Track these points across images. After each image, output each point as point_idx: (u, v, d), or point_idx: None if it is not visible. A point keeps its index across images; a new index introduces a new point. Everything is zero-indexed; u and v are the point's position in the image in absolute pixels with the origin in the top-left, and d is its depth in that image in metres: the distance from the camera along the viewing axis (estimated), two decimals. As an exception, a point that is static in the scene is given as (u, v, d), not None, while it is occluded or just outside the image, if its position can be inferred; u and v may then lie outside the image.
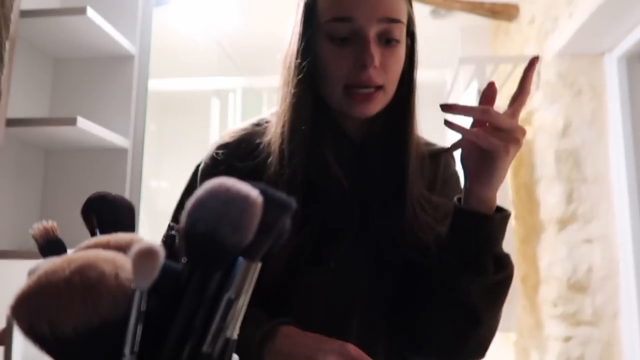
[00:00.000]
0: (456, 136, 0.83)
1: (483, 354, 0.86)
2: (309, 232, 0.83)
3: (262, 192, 0.39)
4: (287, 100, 0.85)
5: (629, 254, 2.02)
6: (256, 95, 4.10)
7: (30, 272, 0.36)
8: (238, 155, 0.88)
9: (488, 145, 0.73)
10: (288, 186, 0.82)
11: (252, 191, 0.37)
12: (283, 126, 0.85)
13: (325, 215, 0.85)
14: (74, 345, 0.35)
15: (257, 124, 0.95)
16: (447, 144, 0.97)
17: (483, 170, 0.77)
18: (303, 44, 0.82)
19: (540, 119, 2.38)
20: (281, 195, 0.41)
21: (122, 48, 1.97)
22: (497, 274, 0.80)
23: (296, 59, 0.83)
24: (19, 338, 1.60)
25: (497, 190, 0.79)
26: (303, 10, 0.83)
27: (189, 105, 4.15)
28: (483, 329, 0.83)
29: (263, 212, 0.38)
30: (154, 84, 2.14)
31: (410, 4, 0.85)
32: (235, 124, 3.77)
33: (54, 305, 0.34)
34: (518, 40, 2.85)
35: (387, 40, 0.80)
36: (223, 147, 0.91)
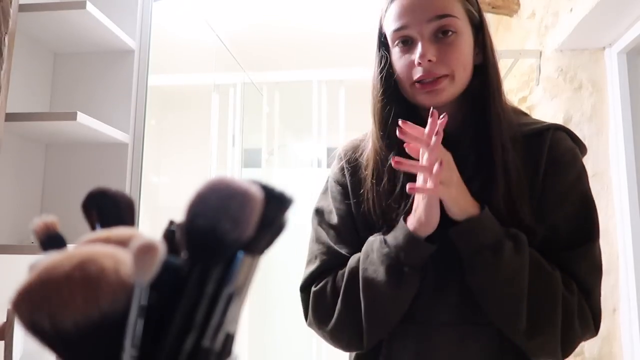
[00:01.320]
0: None
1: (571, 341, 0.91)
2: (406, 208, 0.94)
3: (262, 187, 0.39)
4: (375, 110, 1.00)
5: (629, 249, 2.02)
6: (256, 90, 4.10)
7: (31, 267, 0.36)
8: (349, 160, 1.08)
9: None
10: (388, 176, 0.98)
11: (252, 186, 0.38)
12: (374, 139, 1.01)
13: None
14: (74, 339, 0.35)
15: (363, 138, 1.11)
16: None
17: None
18: (380, 63, 0.99)
19: (541, 114, 2.37)
20: (281, 190, 0.41)
21: (122, 43, 1.97)
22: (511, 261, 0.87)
23: (378, 74, 0.99)
24: (19, 333, 1.61)
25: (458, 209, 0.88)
26: (377, 37, 1.01)
27: (189, 100, 4.15)
28: (539, 316, 0.88)
29: (263, 206, 0.38)
30: (153, 79, 2.14)
31: (469, 0, 0.98)
32: (235, 119, 3.77)
33: (54, 300, 0.34)
34: (518, 35, 2.84)
35: (443, 33, 0.93)
36: (341, 154, 1.11)
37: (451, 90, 0.94)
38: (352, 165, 1.07)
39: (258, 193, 0.38)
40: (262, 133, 4.15)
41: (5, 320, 1.59)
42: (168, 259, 0.36)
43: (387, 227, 0.96)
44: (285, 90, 4.27)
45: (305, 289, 1.06)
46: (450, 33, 0.92)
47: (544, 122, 1.01)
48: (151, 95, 2.11)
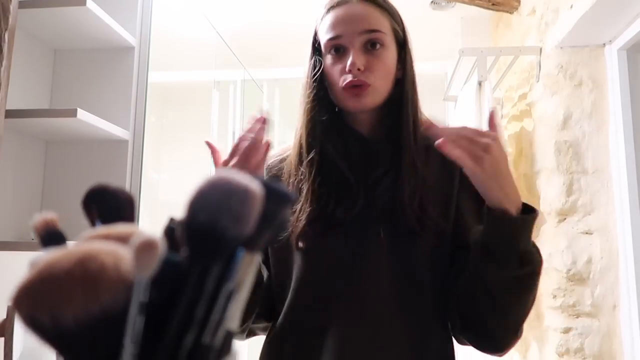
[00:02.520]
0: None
1: (510, 341, 0.96)
2: (324, 205, 1.02)
3: (263, 184, 0.39)
4: (304, 110, 1.08)
5: (629, 246, 2.02)
6: (256, 87, 4.10)
7: (31, 264, 0.37)
8: (271, 166, 1.15)
9: (453, 156, 0.84)
10: (307, 170, 1.05)
11: (252, 183, 0.38)
12: (301, 134, 1.08)
13: (336, 198, 1.03)
14: (74, 336, 0.35)
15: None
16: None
17: (473, 178, 0.87)
18: (314, 65, 1.07)
19: (541, 111, 2.37)
20: (281, 187, 0.41)
21: (122, 39, 1.96)
22: (522, 269, 0.88)
23: (310, 78, 1.07)
24: (19, 329, 1.61)
25: (507, 193, 0.87)
26: (312, 43, 1.10)
27: (189, 97, 4.14)
28: (509, 318, 0.94)
29: (263, 203, 0.38)
30: (154, 76, 2.14)
31: (395, 19, 1.07)
32: (235, 116, 3.77)
33: (55, 296, 0.34)
34: (519, 32, 2.84)
35: (372, 45, 1.02)
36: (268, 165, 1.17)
37: (374, 97, 1.02)
38: (275, 169, 1.16)
39: (258, 190, 0.38)
40: (262, 130, 4.14)
41: (5, 316, 1.59)
42: (168, 256, 0.36)
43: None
44: (285, 87, 4.27)
45: None
46: (378, 46, 1.02)
47: None
48: (151, 91, 2.10)
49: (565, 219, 2.18)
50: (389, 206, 1.01)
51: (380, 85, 1.03)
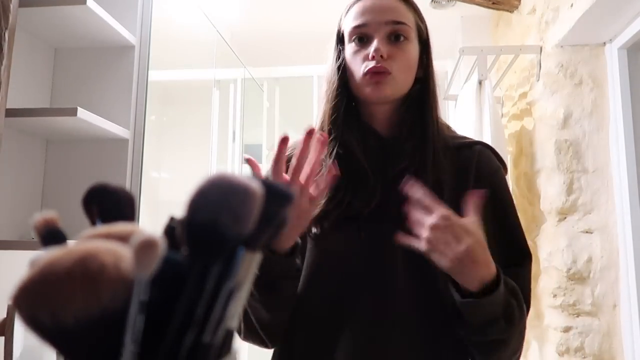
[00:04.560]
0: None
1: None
2: (341, 197, 1.01)
3: (263, 183, 0.39)
4: (326, 101, 1.08)
5: (629, 245, 2.02)
6: (257, 86, 4.09)
7: (32, 263, 0.37)
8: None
9: (419, 248, 0.87)
10: (326, 158, 1.02)
11: (253, 182, 0.38)
12: (322, 120, 1.08)
13: (352, 191, 1.02)
14: (75, 335, 0.35)
15: None
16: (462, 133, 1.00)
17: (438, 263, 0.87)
18: (336, 57, 1.09)
19: (541, 110, 2.37)
20: (282, 186, 0.41)
21: (122, 38, 1.96)
22: (485, 337, 0.92)
23: (331, 69, 1.09)
24: (19, 328, 1.61)
25: (471, 279, 0.87)
26: (336, 34, 1.11)
27: (189, 95, 4.14)
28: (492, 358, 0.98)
29: (264, 202, 0.38)
30: (154, 75, 2.14)
31: (419, 17, 1.09)
32: (235, 115, 3.77)
33: (55, 295, 0.34)
34: (519, 31, 2.84)
35: (395, 37, 1.03)
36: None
37: (393, 88, 1.02)
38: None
39: (258, 189, 0.38)
40: (262, 128, 4.14)
41: (5, 316, 1.59)
42: (168, 255, 0.36)
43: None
44: (286, 85, 4.27)
45: None
46: (402, 38, 1.03)
47: (472, 139, 1.13)
48: (151, 90, 2.10)
49: (565, 218, 2.18)
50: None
51: (401, 78, 1.03)
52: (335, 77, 1.07)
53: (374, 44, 1.01)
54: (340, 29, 1.11)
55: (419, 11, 1.10)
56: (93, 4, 1.75)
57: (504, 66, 2.76)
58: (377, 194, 1.00)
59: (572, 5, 2.05)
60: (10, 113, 1.59)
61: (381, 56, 1.00)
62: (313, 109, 3.96)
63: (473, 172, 1.05)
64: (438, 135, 1.05)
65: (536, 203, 2.41)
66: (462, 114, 2.68)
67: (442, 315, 0.98)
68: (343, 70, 1.06)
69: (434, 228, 0.83)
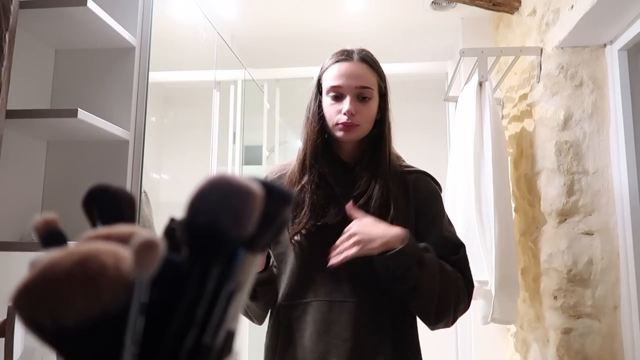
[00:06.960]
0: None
1: (435, 323, 1.35)
2: (318, 213, 1.39)
3: (263, 185, 0.39)
4: (306, 137, 1.46)
5: (630, 246, 2.02)
6: (257, 87, 4.09)
7: (32, 264, 0.36)
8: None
9: (351, 257, 1.29)
10: (308, 185, 1.42)
11: (252, 183, 0.38)
12: (304, 152, 1.46)
13: (326, 208, 1.41)
14: (75, 336, 0.35)
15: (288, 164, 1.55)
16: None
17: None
18: (316, 103, 1.47)
19: (541, 111, 2.37)
20: (282, 188, 0.41)
21: (123, 40, 1.96)
22: (403, 286, 1.29)
23: (312, 112, 1.47)
24: (20, 330, 1.61)
25: (387, 242, 1.27)
26: (315, 84, 1.50)
27: (190, 97, 4.13)
28: (420, 308, 1.35)
29: (264, 204, 0.38)
30: (154, 76, 2.14)
31: (381, 77, 1.46)
32: (235, 116, 3.77)
33: (55, 296, 0.34)
34: (519, 32, 2.84)
35: (363, 98, 1.41)
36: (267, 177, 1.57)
37: (359, 132, 1.42)
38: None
39: (259, 190, 0.38)
40: (262, 130, 4.14)
41: (5, 317, 1.59)
42: (169, 256, 0.36)
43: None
44: (286, 87, 4.27)
45: None
46: (367, 98, 1.41)
47: (415, 167, 1.51)
48: (152, 92, 2.10)
49: (565, 219, 2.18)
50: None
51: (364, 126, 1.42)
52: (315, 121, 1.45)
53: (347, 103, 1.38)
54: (320, 78, 1.47)
55: (381, 72, 1.46)
56: (93, 5, 1.75)
57: (505, 68, 2.76)
58: (343, 209, 1.35)
59: (572, 7, 2.05)
60: (11, 114, 1.59)
61: (351, 114, 1.38)
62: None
63: (412, 192, 1.44)
64: (389, 165, 1.43)
65: (536, 204, 2.41)
66: (462, 115, 2.67)
67: (379, 293, 1.35)
68: (321, 117, 1.44)
69: (352, 235, 1.27)
